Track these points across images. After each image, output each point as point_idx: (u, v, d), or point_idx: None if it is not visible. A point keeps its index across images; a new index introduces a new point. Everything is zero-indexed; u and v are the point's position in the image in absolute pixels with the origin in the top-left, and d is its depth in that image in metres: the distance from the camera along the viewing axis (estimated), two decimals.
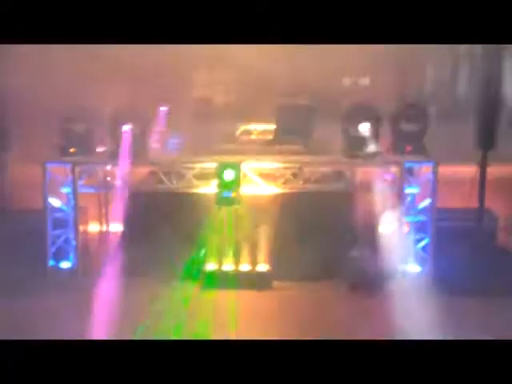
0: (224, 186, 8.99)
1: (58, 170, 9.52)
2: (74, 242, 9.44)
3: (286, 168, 9.56)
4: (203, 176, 9.47)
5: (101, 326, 7.79)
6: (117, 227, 10.61)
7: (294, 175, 9.53)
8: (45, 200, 9.30)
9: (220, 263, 9.32)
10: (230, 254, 9.31)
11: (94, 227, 10.77)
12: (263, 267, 9.32)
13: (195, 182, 9.41)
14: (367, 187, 9.99)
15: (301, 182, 9.50)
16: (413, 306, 8.73)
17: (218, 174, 9.00)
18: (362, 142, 9.35)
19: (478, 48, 10.04)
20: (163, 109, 12.03)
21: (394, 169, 9.42)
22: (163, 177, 9.53)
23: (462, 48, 13.90)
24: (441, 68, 14.40)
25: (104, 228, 10.90)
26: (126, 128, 9.50)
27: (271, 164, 9.57)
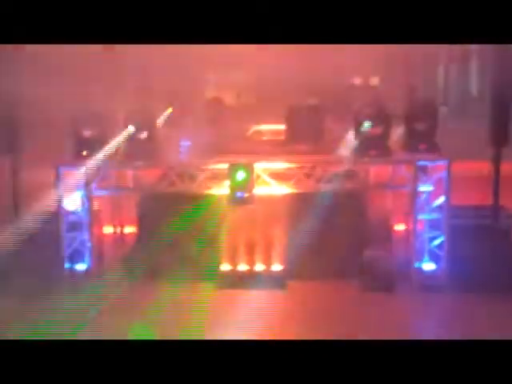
0: (237, 186, 8.99)
1: (71, 174, 9.53)
2: (88, 244, 9.46)
3: (298, 168, 9.53)
4: (216, 177, 9.47)
5: (116, 326, 7.82)
6: (130, 229, 10.67)
7: (307, 175, 9.50)
8: (59, 203, 9.32)
9: (235, 263, 9.32)
10: (245, 254, 9.32)
11: (108, 229, 10.80)
12: (278, 267, 9.32)
13: (208, 183, 9.41)
14: (380, 186, 9.99)
15: (313, 182, 9.46)
16: (428, 303, 8.72)
17: (231, 175, 9.00)
18: (373, 141, 9.31)
19: (489, 45, 10.01)
20: (175, 111, 12.06)
21: (407, 167, 9.39)
22: (176, 179, 9.52)
23: (474, 45, 13.86)
24: (453, 66, 14.36)
25: (118, 230, 10.93)
26: (139, 131, 9.51)
27: (283, 164, 9.55)
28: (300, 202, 9.49)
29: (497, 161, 9.31)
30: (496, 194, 9.24)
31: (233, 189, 9.00)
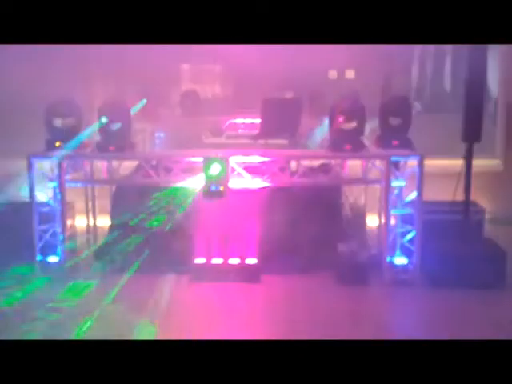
0: (212, 179, 8.98)
1: (43, 165, 9.44)
2: (61, 237, 9.38)
3: (272, 162, 9.55)
4: (191, 170, 9.45)
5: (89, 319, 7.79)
6: (104, 221, 10.60)
7: (281, 169, 9.53)
8: (31, 195, 9.23)
9: (208, 256, 9.33)
10: (219, 247, 9.33)
11: (81, 221, 10.73)
12: (252, 260, 9.36)
13: (183, 175, 9.39)
14: (354, 181, 10.07)
15: (288, 176, 9.50)
16: (400, 298, 8.85)
17: (206, 168, 8.99)
18: (348, 135, 9.38)
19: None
20: (150, 102, 12.00)
21: (379, 162, 9.48)
22: (151, 170, 9.49)
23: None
24: (427, 62, 14.50)
25: (91, 222, 10.86)
26: (113, 122, 9.45)
27: (258, 158, 9.56)
28: (274, 196, 9.52)
29: (469, 157, 9.43)
30: (468, 189, 9.37)
31: (207, 182, 9.00)
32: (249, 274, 9.22)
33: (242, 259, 9.35)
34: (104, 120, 9.43)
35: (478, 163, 9.73)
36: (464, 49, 9.45)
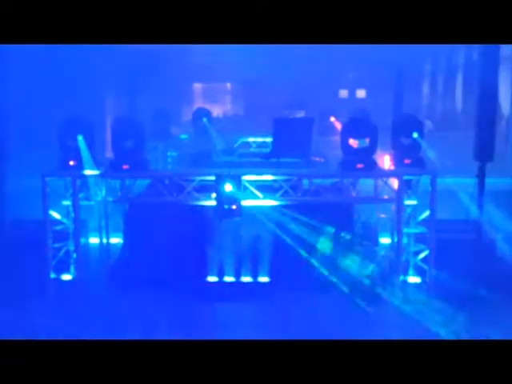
0: (224, 198, 9.00)
1: (57, 183, 9.51)
2: (74, 255, 9.42)
3: (284, 180, 9.57)
4: (203, 188, 9.49)
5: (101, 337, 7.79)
6: (117, 239, 10.64)
7: (293, 187, 9.55)
8: (45, 213, 9.28)
9: (221, 275, 9.34)
10: (231, 265, 9.34)
11: (94, 239, 10.77)
12: (264, 279, 9.35)
13: (195, 194, 9.43)
14: (366, 199, 10.07)
15: (299, 194, 9.51)
16: (413, 317, 8.79)
17: (218, 187, 9.01)
18: (360, 154, 9.40)
19: (475, 60, 10.15)
20: (163, 121, 12.09)
21: (392, 181, 9.48)
22: (163, 189, 9.53)
23: (460, 60, 14.03)
24: (439, 80, 14.55)
25: (104, 240, 10.89)
26: (126, 141, 9.51)
27: (270, 176, 9.59)
28: (287, 214, 9.52)
29: (481, 175, 9.43)
30: (480, 208, 9.35)
31: (220, 200, 9.01)
32: (261, 292, 9.21)
33: (255, 277, 9.35)
34: (118, 139, 9.50)
35: (491, 182, 9.72)
36: (476, 66, 9.48)
